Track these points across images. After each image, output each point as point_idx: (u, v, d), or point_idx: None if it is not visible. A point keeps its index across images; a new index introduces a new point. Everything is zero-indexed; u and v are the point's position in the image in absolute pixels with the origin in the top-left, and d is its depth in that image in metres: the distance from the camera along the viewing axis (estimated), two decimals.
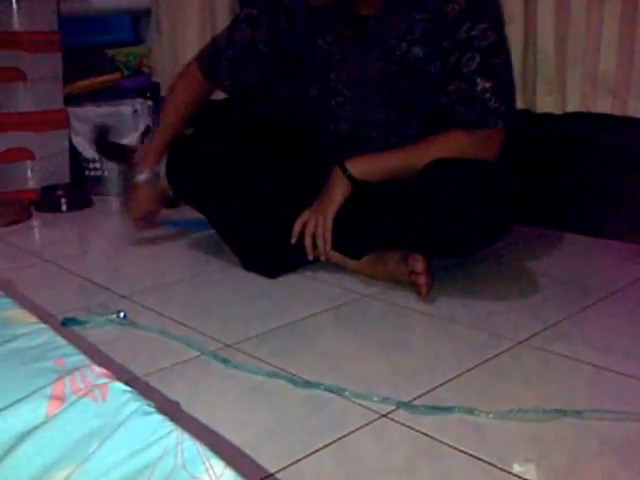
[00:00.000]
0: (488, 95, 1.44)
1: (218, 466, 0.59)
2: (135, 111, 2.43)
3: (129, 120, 2.42)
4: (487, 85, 1.43)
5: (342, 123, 1.61)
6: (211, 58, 1.73)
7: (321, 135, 1.65)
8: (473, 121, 1.45)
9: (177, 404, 1.05)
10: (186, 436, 0.62)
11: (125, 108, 2.43)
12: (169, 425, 0.64)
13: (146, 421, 0.65)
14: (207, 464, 0.59)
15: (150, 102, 2.51)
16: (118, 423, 0.65)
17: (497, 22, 1.47)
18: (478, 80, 1.43)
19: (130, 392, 0.70)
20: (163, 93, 2.51)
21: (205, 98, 1.80)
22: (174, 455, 0.60)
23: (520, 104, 1.82)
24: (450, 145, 1.45)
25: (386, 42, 1.51)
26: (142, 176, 1.76)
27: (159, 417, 0.66)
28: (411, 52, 1.49)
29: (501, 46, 1.47)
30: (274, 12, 1.63)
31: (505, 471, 0.89)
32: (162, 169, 1.76)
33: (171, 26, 2.44)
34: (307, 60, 1.61)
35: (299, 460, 0.93)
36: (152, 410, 0.67)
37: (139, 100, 2.51)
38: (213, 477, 0.58)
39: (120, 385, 0.72)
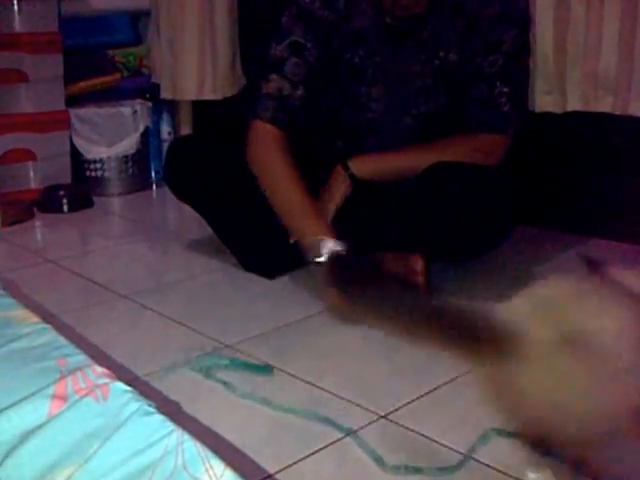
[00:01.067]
0: (504, 100, 1.45)
1: (218, 467, 0.59)
2: (135, 112, 2.43)
3: (129, 121, 2.43)
4: (505, 90, 1.45)
5: (368, 136, 1.58)
6: (280, 109, 1.52)
7: (349, 146, 1.60)
8: (484, 124, 1.46)
9: (178, 404, 1.06)
10: (186, 436, 0.62)
11: (125, 109, 2.42)
12: (170, 425, 0.64)
13: (147, 421, 0.66)
14: (207, 465, 0.59)
15: (150, 103, 2.51)
16: (119, 423, 0.66)
17: (526, 28, 1.49)
18: (498, 83, 1.45)
19: (131, 392, 0.71)
20: (163, 94, 2.51)
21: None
22: (175, 455, 0.61)
23: None
24: (454, 148, 1.46)
25: (425, 51, 1.49)
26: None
27: (160, 417, 0.66)
28: (448, 59, 1.49)
29: (525, 53, 1.49)
30: (313, 26, 1.51)
31: (504, 473, 0.89)
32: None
33: (170, 27, 2.44)
34: (331, 73, 1.55)
35: (299, 461, 0.93)
36: (153, 410, 0.67)
37: (139, 101, 2.50)
38: (213, 478, 0.58)
39: (121, 385, 0.72)
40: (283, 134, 1.53)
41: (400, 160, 1.49)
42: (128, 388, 0.71)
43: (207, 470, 0.59)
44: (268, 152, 1.52)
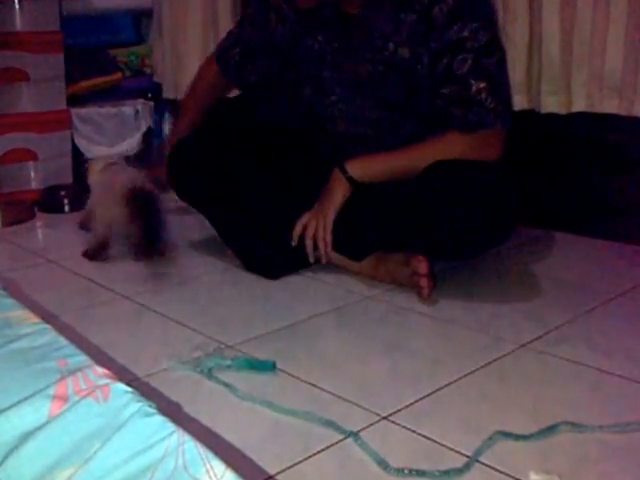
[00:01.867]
0: (484, 95, 1.42)
1: (219, 468, 0.58)
2: (137, 112, 2.43)
3: (131, 121, 2.42)
4: (482, 85, 1.42)
5: (337, 121, 1.61)
6: (224, 54, 1.78)
7: (319, 134, 1.65)
8: (471, 123, 1.44)
9: (178, 405, 1.05)
10: (187, 437, 0.62)
11: (127, 109, 2.43)
12: (170, 426, 0.64)
13: (147, 422, 0.65)
14: (208, 466, 0.59)
15: (152, 103, 2.51)
16: (119, 424, 0.65)
17: (488, 21, 1.45)
18: (472, 82, 1.42)
19: (131, 393, 0.70)
20: (165, 94, 2.51)
21: (224, 92, 1.87)
22: (175, 456, 0.60)
23: (524, 104, 1.81)
24: (451, 147, 1.45)
25: (372, 42, 1.50)
26: None
27: (160, 418, 0.65)
28: (398, 53, 1.48)
29: (494, 45, 1.46)
30: (266, 11, 1.66)
31: (507, 474, 0.89)
32: None
33: (173, 26, 2.44)
34: (299, 59, 1.62)
35: (300, 462, 0.93)
36: (153, 411, 0.67)
37: (140, 101, 2.50)
38: (214, 478, 0.57)
39: (121, 386, 0.71)
40: (220, 76, 1.80)
41: (398, 161, 1.48)
42: (129, 389, 0.71)
43: (208, 471, 0.58)
44: (200, 78, 1.86)
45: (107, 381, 0.72)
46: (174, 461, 0.60)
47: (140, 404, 0.68)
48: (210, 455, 0.60)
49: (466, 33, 1.41)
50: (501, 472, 0.90)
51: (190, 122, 1.80)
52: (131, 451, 0.62)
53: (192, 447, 0.61)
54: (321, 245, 1.53)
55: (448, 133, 1.46)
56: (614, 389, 1.10)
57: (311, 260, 1.56)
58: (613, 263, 1.68)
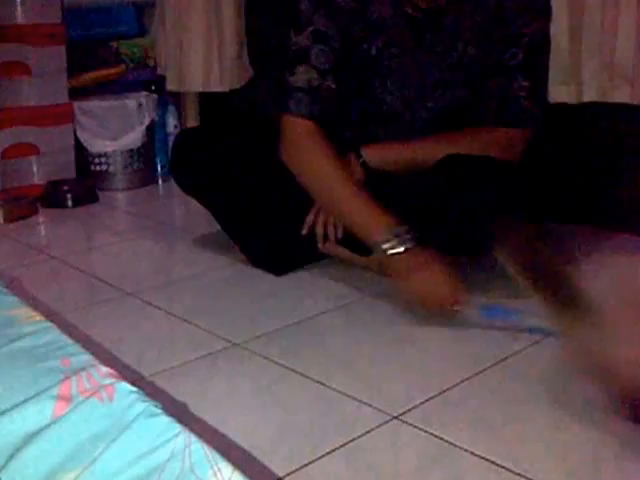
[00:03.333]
0: (524, 94, 1.42)
1: (226, 470, 0.57)
2: (140, 105, 2.41)
3: (134, 114, 2.40)
4: (525, 84, 1.42)
5: (387, 130, 1.56)
6: (314, 102, 1.45)
7: (364, 139, 1.56)
8: (503, 118, 1.43)
9: (185, 405, 1.03)
10: (194, 439, 0.61)
11: (130, 102, 2.40)
12: (176, 427, 0.63)
13: (153, 423, 0.64)
14: (215, 468, 0.58)
15: (155, 95, 2.49)
16: (125, 425, 0.64)
17: (548, 21, 1.46)
18: (518, 77, 1.42)
19: (137, 393, 0.69)
20: (169, 86, 2.49)
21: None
22: (182, 458, 0.59)
23: None
24: (471, 142, 1.43)
25: (444, 44, 1.46)
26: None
27: (166, 419, 0.64)
28: (467, 52, 1.46)
29: (545, 47, 1.46)
30: (333, 16, 1.45)
31: (519, 475, 0.87)
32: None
33: (176, 17, 2.41)
34: (351, 65, 1.49)
35: (309, 463, 0.91)
36: (159, 412, 0.66)
37: (144, 93, 2.48)
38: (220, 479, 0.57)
39: (126, 385, 0.70)
40: (319, 128, 1.44)
41: (414, 150, 1.46)
42: (134, 389, 0.70)
43: (215, 473, 0.57)
44: (310, 152, 1.43)
45: (112, 381, 0.71)
46: (181, 463, 0.59)
47: (145, 404, 0.67)
48: (217, 456, 0.59)
49: (526, 30, 1.41)
50: (512, 472, 0.88)
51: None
52: (137, 453, 0.61)
53: (199, 448, 0.60)
54: (331, 231, 1.51)
55: (473, 127, 1.44)
56: None
57: (320, 246, 1.54)
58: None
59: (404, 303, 1.32)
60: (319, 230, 1.52)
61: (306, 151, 1.44)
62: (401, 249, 1.26)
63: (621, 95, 1.66)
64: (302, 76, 1.44)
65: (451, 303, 1.25)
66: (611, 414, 0.99)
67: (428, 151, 1.43)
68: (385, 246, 1.27)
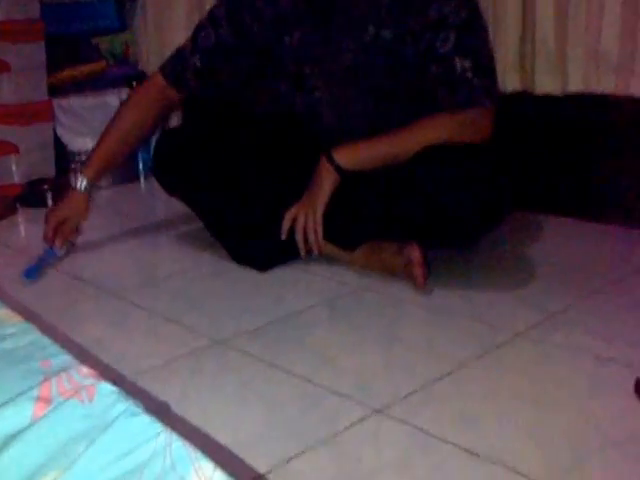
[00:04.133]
0: (470, 74, 1.41)
1: (207, 468, 0.57)
2: (121, 102, 2.39)
3: (115, 111, 2.37)
4: (467, 64, 1.41)
5: (323, 118, 1.58)
6: (176, 66, 1.67)
7: (306, 131, 1.61)
8: (459, 102, 1.42)
9: (166, 404, 1.03)
10: (175, 437, 0.61)
11: (111, 98, 2.38)
12: (158, 426, 0.62)
13: (134, 423, 0.63)
14: (196, 466, 0.57)
15: None
16: (105, 425, 0.64)
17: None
18: (456, 60, 1.41)
19: (117, 392, 0.69)
20: None
21: (166, 109, 1.73)
22: (163, 457, 0.59)
23: (518, 85, 1.79)
24: (440, 128, 1.43)
25: (352, 29, 1.48)
26: (84, 184, 1.65)
27: (147, 418, 0.64)
28: (380, 36, 1.46)
29: (476, 22, 1.45)
30: (238, 10, 1.59)
31: (502, 466, 0.87)
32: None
33: (157, 12, 2.39)
34: (278, 59, 1.57)
35: (292, 459, 0.91)
36: (140, 411, 0.65)
37: (125, 90, 2.45)
38: (203, 478, 0.56)
39: (107, 385, 0.70)
40: (166, 87, 1.67)
41: (385, 146, 1.45)
42: (115, 389, 0.69)
43: (196, 471, 0.57)
44: (137, 94, 1.73)
45: (92, 381, 0.70)
46: (162, 462, 0.58)
47: (126, 404, 0.66)
48: (199, 455, 0.58)
49: (446, 10, 1.40)
50: (500, 464, 0.88)
51: (118, 145, 1.66)
52: (117, 453, 0.60)
53: (180, 447, 0.59)
54: (312, 237, 1.50)
55: (436, 115, 1.44)
56: (613, 376, 1.08)
57: (302, 254, 1.53)
58: (609, 247, 1.66)
59: None
60: (299, 237, 1.52)
61: (131, 97, 1.75)
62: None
63: (606, 85, 1.66)
64: (184, 44, 1.68)
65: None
66: (593, 406, 1.00)
67: (400, 144, 1.43)
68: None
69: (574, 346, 1.17)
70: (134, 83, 2.52)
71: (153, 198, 2.42)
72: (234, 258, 1.63)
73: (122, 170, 2.45)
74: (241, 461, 0.90)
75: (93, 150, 1.70)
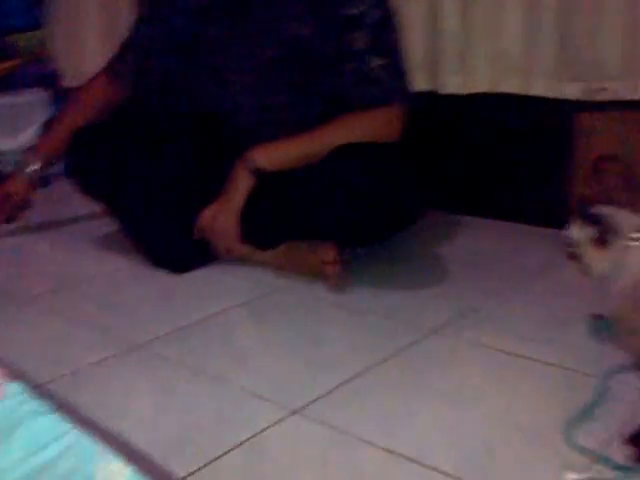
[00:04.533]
0: (382, 73, 1.44)
1: (116, 464, 0.57)
2: (34, 101, 2.32)
3: (28, 111, 2.31)
4: (379, 63, 1.44)
5: (240, 113, 1.59)
6: (118, 60, 1.71)
7: (225, 124, 1.62)
8: (370, 100, 1.45)
9: (79, 407, 1.00)
10: (84, 436, 0.60)
11: (24, 98, 2.32)
12: (66, 425, 0.62)
13: (43, 421, 0.63)
14: (104, 463, 0.57)
15: (51, 91, 2.41)
16: (14, 423, 0.63)
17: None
18: (369, 58, 1.44)
19: (27, 393, 0.67)
20: (65, 82, 2.40)
21: (111, 102, 1.72)
22: (71, 455, 0.59)
23: (424, 85, 1.82)
24: (352, 128, 1.45)
25: (271, 24, 1.49)
26: (33, 167, 1.74)
27: (56, 417, 0.63)
28: (299, 32, 1.48)
29: (388, 22, 1.48)
30: (157, 6, 1.63)
31: (417, 463, 0.89)
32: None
33: (71, 9, 2.34)
34: (197, 51, 1.59)
35: (210, 462, 0.90)
36: (49, 410, 0.65)
37: (39, 89, 2.39)
38: (111, 476, 0.56)
39: (16, 385, 0.68)
40: (111, 81, 1.71)
41: (301, 147, 1.47)
42: (23, 388, 0.68)
43: (105, 468, 0.57)
44: (83, 89, 1.79)
45: (1, 381, 0.68)
46: (69, 460, 0.58)
47: (35, 403, 0.65)
48: (108, 452, 0.58)
49: (359, 10, 1.43)
50: (415, 462, 0.90)
51: (57, 139, 1.71)
52: (25, 451, 0.59)
53: (89, 445, 0.59)
54: (225, 239, 1.50)
55: (349, 114, 1.46)
56: (521, 370, 1.12)
57: (218, 254, 1.53)
58: (520, 246, 1.70)
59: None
60: (213, 238, 1.51)
61: (76, 93, 1.81)
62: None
63: (509, 86, 1.71)
64: (122, 42, 1.71)
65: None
66: (505, 401, 1.04)
67: (316, 145, 1.44)
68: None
69: (485, 343, 1.21)
70: (48, 83, 2.46)
71: (70, 201, 2.34)
72: (151, 260, 1.60)
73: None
74: (159, 465, 0.89)
75: (43, 138, 1.81)
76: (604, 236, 0.87)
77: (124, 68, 1.70)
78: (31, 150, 1.81)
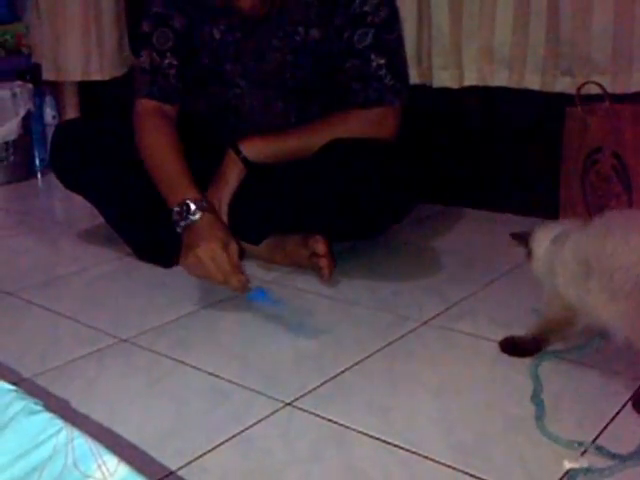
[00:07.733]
0: (383, 72, 1.44)
1: (111, 462, 0.56)
2: (14, 95, 2.29)
3: (8, 105, 2.28)
4: (381, 61, 1.44)
5: (241, 113, 1.57)
6: (155, 81, 1.54)
7: (223, 126, 1.59)
8: (369, 99, 1.45)
9: (68, 402, 0.99)
10: (77, 433, 0.59)
11: (3, 92, 2.28)
12: (58, 423, 0.60)
13: (33, 420, 0.61)
14: (99, 461, 0.56)
15: (30, 85, 2.38)
16: (3, 424, 0.61)
17: None
18: (372, 56, 1.44)
19: (15, 391, 0.66)
20: (45, 76, 2.37)
21: (175, 123, 1.54)
22: (64, 454, 0.57)
23: (415, 79, 1.83)
24: (346, 125, 1.45)
25: (282, 29, 1.48)
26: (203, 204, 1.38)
27: (47, 415, 0.62)
28: (309, 36, 1.47)
29: (394, 21, 1.48)
30: (172, 10, 1.53)
31: (411, 452, 0.89)
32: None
33: (51, 3, 2.30)
34: (198, 49, 1.55)
35: (202, 455, 0.89)
36: (40, 409, 0.63)
37: (18, 83, 2.36)
38: (106, 474, 0.55)
39: (4, 384, 0.67)
40: (163, 106, 1.53)
41: (293, 140, 1.46)
42: (12, 387, 0.66)
43: (99, 466, 0.55)
44: (147, 131, 1.51)
45: None
46: (63, 459, 0.57)
47: (25, 402, 0.64)
48: (102, 450, 0.57)
49: (368, 7, 1.43)
50: (411, 452, 0.89)
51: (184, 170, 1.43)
52: (16, 452, 0.58)
53: (82, 443, 0.58)
54: None
55: (345, 112, 1.46)
56: (514, 361, 1.11)
57: None
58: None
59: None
60: None
61: (144, 130, 1.51)
62: (194, 218, 1.34)
63: (500, 79, 1.73)
64: (146, 59, 1.54)
65: (222, 280, 1.29)
66: (496, 391, 1.04)
67: (307, 139, 1.44)
68: (175, 217, 1.36)
69: (477, 333, 1.21)
70: (27, 77, 2.42)
71: (52, 195, 2.33)
72: (137, 255, 1.59)
73: (17, 167, 2.35)
74: (150, 458, 0.88)
75: (170, 177, 1.44)
76: (529, 250, 1.16)
77: (168, 79, 1.53)
78: (194, 203, 1.38)
